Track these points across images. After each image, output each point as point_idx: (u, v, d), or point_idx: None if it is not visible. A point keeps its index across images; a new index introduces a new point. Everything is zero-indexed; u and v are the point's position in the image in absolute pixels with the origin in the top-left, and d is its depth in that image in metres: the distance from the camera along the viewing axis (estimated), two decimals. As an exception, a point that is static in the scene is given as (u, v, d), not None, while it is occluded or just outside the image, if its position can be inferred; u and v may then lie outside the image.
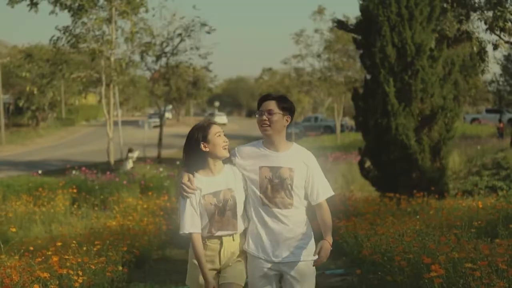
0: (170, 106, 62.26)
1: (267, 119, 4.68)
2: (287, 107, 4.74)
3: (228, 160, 4.73)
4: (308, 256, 4.64)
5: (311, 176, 4.73)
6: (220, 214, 4.61)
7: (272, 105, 4.71)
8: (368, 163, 15.53)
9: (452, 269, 4.93)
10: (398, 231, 7.11)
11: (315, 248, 4.55)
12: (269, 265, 4.67)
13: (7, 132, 52.72)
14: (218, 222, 4.61)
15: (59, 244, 7.59)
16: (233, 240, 4.68)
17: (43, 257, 6.72)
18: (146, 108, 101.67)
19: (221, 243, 4.64)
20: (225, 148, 4.61)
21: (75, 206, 16.04)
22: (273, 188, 4.65)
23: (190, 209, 4.59)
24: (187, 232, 4.56)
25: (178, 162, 26.07)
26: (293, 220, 4.67)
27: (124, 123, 43.49)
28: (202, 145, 4.58)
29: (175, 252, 11.29)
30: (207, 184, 4.63)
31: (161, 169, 22.10)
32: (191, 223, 4.57)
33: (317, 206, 4.76)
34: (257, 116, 4.74)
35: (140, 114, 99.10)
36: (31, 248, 7.59)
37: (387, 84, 14.14)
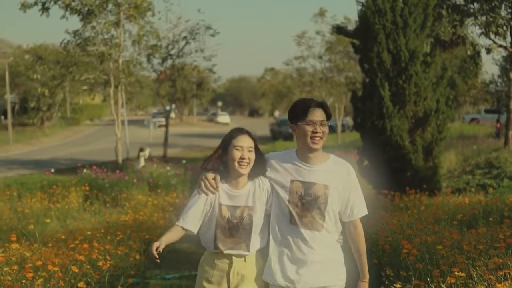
0: (173, 106, 63.17)
1: (321, 131, 4.18)
2: (331, 114, 4.37)
3: (257, 174, 4.39)
4: (336, 280, 4.27)
5: (349, 194, 4.28)
6: (232, 231, 4.30)
7: (322, 114, 4.24)
8: (365, 162, 16.33)
9: (426, 250, 5.83)
10: (386, 222, 8.02)
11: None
12: None
13: (13, 131, 53.47)
14: (229, 239, 4.30)
15: (89, 233, 8.48)
16: (245, 261, 4.33)
17: (73, 245, 7.63)
18: (149, 107, 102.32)
19: (231, 263, 4.32)
20: (241, 165, 4.26)
21: (87, 203, 16.86)
22: (304, 206, 4.18)
23: (197, 209, 4.32)
24: (181, 225, 4.29)
25: (184, 161, 26.93)
26: (322, 245, 4.22)
27: (129, 122, 44.27)
28: (223, 154, 4.36)
29: (185, 245, 12.04)
30: (227, 195, 4.34)
31: (168, 168, 22.86)
32: (190, 220, 4.31)
33: (349, 224, 4.32)
34: (304, 126, 4.20)
35: (143, 113, 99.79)
36: (63, 237, 8.47)
37: (383, 88, 14.99)
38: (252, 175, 4.35)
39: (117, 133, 27.01)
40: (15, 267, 5.73)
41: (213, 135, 55.61)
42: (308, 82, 50.65)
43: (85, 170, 21.52)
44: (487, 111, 55.66)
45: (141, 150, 26.25)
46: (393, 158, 15.05)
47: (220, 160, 4.36)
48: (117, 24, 26.29)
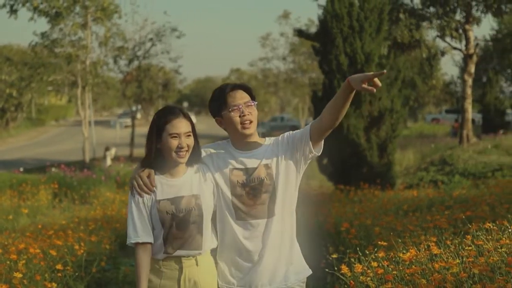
0: (139, 106, 63.68)
1: (248, 113, 3.76)
2: (255, 95, 3.92)
3: (195, 160, 3.84)
4: (298, 275, 3.85)
5: (294, 137, 3.84)
6: (180, 227, 3.69)
7: (244, 95, 3.81)
8: (325, 160, 17.12)
9: (364, 230, 6.63)
10: (336, 211, 8.82)
11: None
12: None
13: (-24, 132, 53.42)
14: (179, 239, 3.69)
15: (63, 222, 9.13)
16: (197, 265, 3.74)
17: (50, 233, 8.29)
18: (115, 108, 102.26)
19: (181, 269, 3.72)
20: (179, 154, 3.71)
21: (56, 200, 17.34)
22: (250, 195, 3.76)
23: (141, 215, 3.71)
24: (141, 241, 3.67)
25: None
26: (277, 233, 3.79)
27: (95, 123, 44.59)
28: (155, 140, 3.76)
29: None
30: (163, 186, 3.75)
31: (134, 166, 23.41)
32: (145, 231, 3.70)
33: (316, 123, 3.78)
34: (229, 114, 3.79)
35: (108, 114, 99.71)
36: (39, 226, 9.10)
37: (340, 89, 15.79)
38: (190, 161, 3.81)
39: (85, 133, 27.50)
40: (0, 250, 6.37)
41: (179, 135, 55.96)
42: (272, 83, 51.46)
43: (53, 169, 21.96)
44: (447, 111, 57.12)
45: (107, 149, 26.84)
46: (350, 155, 15.86)
47: (154, 148, 3.77)
48: (84, 26, 26.84)
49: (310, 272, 3.92)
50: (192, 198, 3.72)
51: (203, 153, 3.89)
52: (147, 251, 3.68)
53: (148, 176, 3.73)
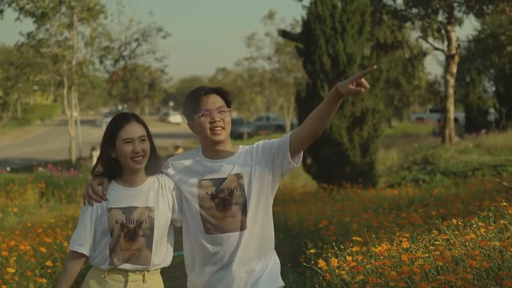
0: (125, 106, 63.85)
1: (220, 120, 3.58)
2: (231, 100, 3.74)
3: (154, 167, 3.71)
4: (267, 286, 3.62)
5: (270, 145, 3.65)
6: (128, 239, 3.56)
7: (218, 100, 3.64)
8: (309, 159, 17.37)
9: (343, 226, 6.91)
10: (316, 209, 9.10)
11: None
12: None
13: (-38, 132, 53.31)
14: (126, 251, 3.56)
15: (52, 220, 9.34)
16: (144, 281, 3.61)
17: (39, 231, 8.50)
18: (100, 107, 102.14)
19: (126, 282, 3.58)
20: (135, 160, 3.58)
21: (43, 199, 17.48)
22: (219, 206, 3.58)
23: (85, 225, 3.62)
24: (72, 249, 3.61)
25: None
26: (248, 246, 3.59)
27: (81, 122, 44.67)
28: (109, 149, 3.61)
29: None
30: (118, 195, 3.63)
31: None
32: (82, 242, 3.61)
33: (297, 132, 3.60)
34: (199, 118, 3.60)
35: (94, 113, 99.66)
36: (29, 224, 9.31)
37: (323, 89, 16.07)
38: (149, 169, 3.69)
39: (71, 133, 27.64)
40: (-9, 247, 6.59)
41: (165, 134, 56.20)
42: (258, 83, 51.75)
43: (40, 169, 22.08)
44: (432, 111, 57.60)
45: (93, 149, 26.99)
46: (333, 154, 16.11)
47: (109, 157, 3.64)
48: (70, 26, 27.02)
49: (282, 284, 3.69)
50: (145, 210, 3.60)
51: (171, 166, 3.74)
52: (78, 262, 3.61)
53: (101, 185, 3.63)
